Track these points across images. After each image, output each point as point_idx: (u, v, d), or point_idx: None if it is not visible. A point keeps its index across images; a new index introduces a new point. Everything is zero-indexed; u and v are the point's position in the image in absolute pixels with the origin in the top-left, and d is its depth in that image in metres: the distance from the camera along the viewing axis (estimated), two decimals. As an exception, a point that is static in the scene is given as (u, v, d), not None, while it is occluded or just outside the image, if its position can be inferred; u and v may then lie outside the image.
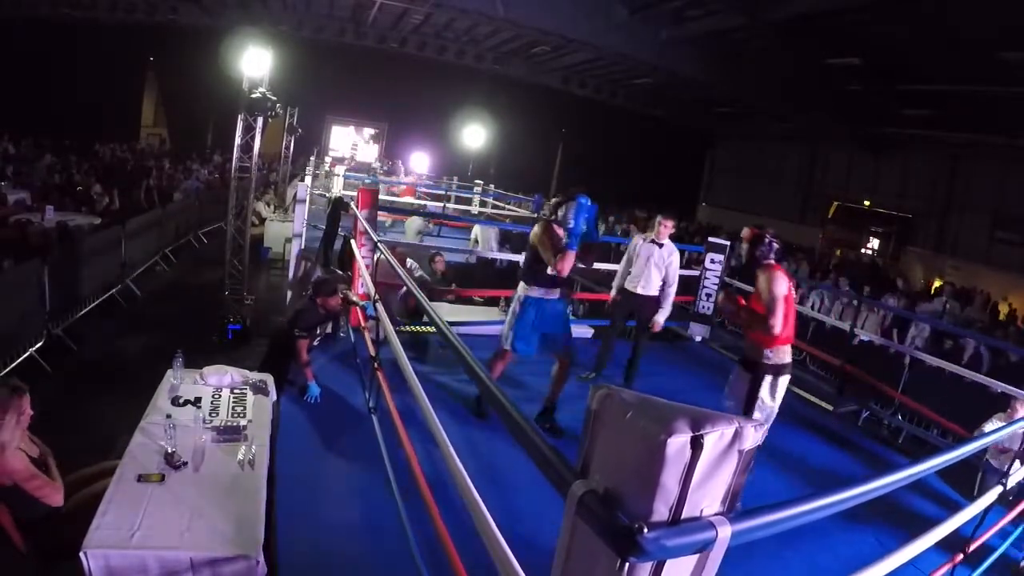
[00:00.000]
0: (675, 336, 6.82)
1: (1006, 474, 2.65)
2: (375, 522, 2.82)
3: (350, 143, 21.75)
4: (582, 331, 6.45)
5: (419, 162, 20.00)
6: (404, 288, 5.56)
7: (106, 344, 5.51)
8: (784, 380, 3.47)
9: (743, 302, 3.63)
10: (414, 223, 9.64)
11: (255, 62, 5.51)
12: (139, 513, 2.26)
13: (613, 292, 5.24)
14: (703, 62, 13.35)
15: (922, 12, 8.98)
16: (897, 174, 16.42)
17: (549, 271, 3.75)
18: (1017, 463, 3.22)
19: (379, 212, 6.74)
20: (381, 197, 12.22)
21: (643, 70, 14.80)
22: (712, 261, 6.79)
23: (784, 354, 3.44)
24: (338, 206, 5.97)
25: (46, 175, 10.83)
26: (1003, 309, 12.10)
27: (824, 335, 7.38)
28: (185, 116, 18.70)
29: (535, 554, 1.52)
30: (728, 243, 6.98)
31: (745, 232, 3.53)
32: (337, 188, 12.04)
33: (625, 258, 5.20)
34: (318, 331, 4.40)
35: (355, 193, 6.43)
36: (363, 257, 5.20)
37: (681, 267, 6.42)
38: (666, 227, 5.04)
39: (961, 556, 2.63)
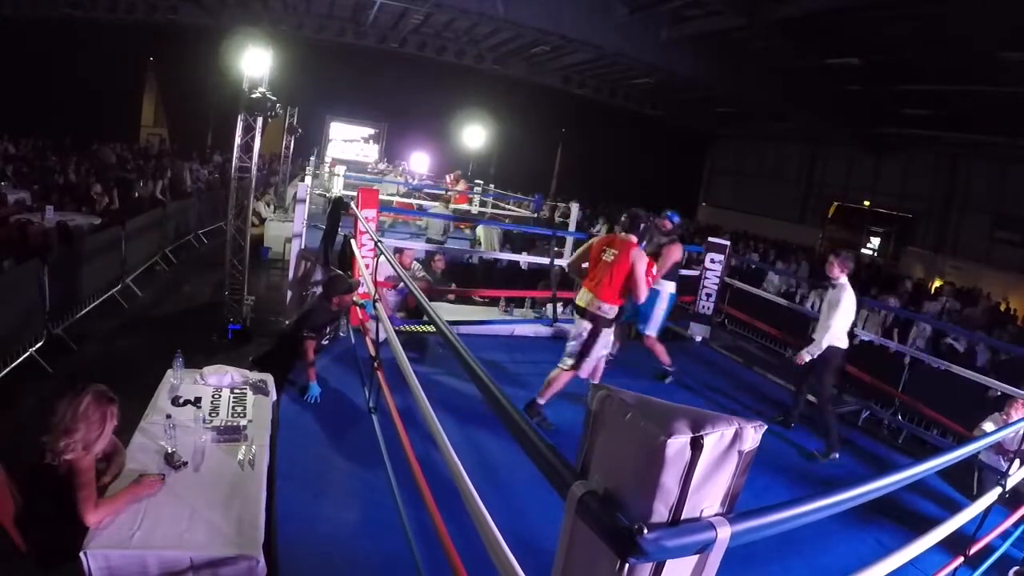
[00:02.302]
0: (675, 336, 6.82)
1: (1005, 474, 2.65)
2: (375, 522, 2.82)
3: (354, 150, 21.72)
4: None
5: (419, 162, 19.98)
6: (400, 287, 5.57)
7: (106, 344, 5.51)
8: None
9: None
10: (438, 222, 9.55)
11: (255, 62, 5.50)
12: (139, 513, 2.26)
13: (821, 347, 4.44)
14: (703, 62, 13.34)
15: (922, 12, 8.97)
16: (897, 174, 16.43)
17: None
18: (1016, 463, 3.22)
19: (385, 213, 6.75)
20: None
21: (643, 70, 14.78)
22: (712, 261, 6.80)
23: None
24: (338, 206, 5.98)
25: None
26: (1001, 308, 12.11)
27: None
28: (185, 116, 18.69)
29: (535, 554, 1.52)
30: (728, 243, 6.98)
31: None
32: (337, 188, 12.02)
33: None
34: (327, 331, 4.40)
35: (355, 193, 6.44)
36: (363, 257, 5.20)
37: (681, 267, 6.45)
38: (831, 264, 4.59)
39: (962, 558, 2.63)
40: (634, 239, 4.04)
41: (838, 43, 11.19)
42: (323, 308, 4.31)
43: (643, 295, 4.11)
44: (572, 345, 4.10)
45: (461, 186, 12.93)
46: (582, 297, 4.11)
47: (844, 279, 4.45)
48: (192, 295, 7.37)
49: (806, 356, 4.44)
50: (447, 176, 14.20)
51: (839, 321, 4.36)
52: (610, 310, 4.01)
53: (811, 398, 4.79)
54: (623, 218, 4.18)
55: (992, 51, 9.41)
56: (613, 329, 4.25)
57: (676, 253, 5.35)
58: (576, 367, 4.06)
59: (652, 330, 5.29)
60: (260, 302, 6.51)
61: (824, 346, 4.36)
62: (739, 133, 21.18)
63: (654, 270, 4.54)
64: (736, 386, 5.65)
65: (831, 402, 4.60)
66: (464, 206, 12.36)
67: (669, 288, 5.31)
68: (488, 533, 1.47)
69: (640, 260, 3.99)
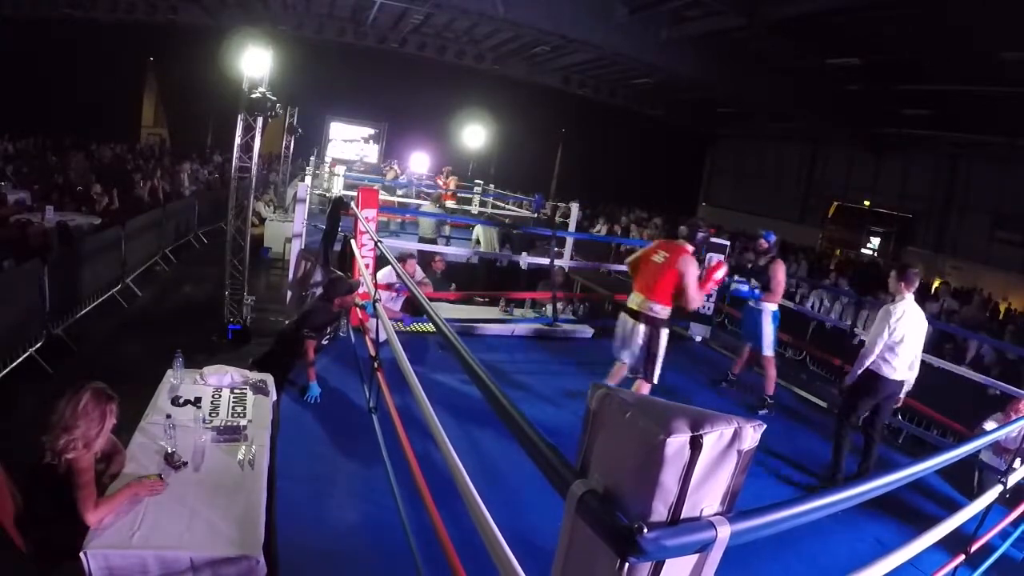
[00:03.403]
0: (675, 336, 6.83)
1: (1006, 473, 2.64)
2: (375, 522, 2.83)
3: (354, 150, 21.68)
4: (582, 331, 6.47)
5: (419, 162, 19.98)
6: (397, 284, 5.57)
7: (106, 344, 5.51)
8: None
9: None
10: (430, 220, 9.59)
11: (255, 62, 5.51)
12: (139, 513, 2.26)
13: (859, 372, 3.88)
14: (703, 62, 13.34)
15: (922, 12, 8.97)
16: (897, 174, 16.42)
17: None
18: (1017, 462, 3.22)
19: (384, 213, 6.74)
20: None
21: (643, 70, 14.78)
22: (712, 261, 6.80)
23: None
24: (338, 206, 5.98)
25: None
26: (1002, 308, 12.11)
27: (824, 335, 7.38)
28: (185, 116, 18.67)
29: (535, 554, 1.52)
30: (728, 243, 6.99)
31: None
32: (337, 188, 12.03)
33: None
34: (327, 331, 4.40)
35: (355, 193, 6.44)
36: (363, 257, 5.20)
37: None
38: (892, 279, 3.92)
39: (963, 557, 2.63)
40: (689, 247, 4.07)
41: (838, 43, 11.19)
42: (324, 308, 4.31)
43: (695, 303, 4.08)
44: (635, 355, 4.09)
45: (451, 183, 13.07)
46: (633, 300, 4.13)
47: (907, 295, 3.79)
48: (192, 295, 7.37)
49: (847, 381, 3.92)
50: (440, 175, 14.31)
51: (876, 338, 3.74)
52: (662, 311, 4.02)
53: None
54: (682, 227, 4.20)
55: (992, 51, 9.41)
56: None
57: (782, 272, 5.22)
58: (649, 378, 4.06)
59: (769, 350, 5.17)
60: (260, 302, 6.51)
61: (861, 368, 3.82)
62: (739, 133, 21.17)
63: (718, 274, 4.32)
64: (736, 386, 5.66)
65: (847, 431, 4.00)
66: (451, 203, 12.41)
67: (771, 306, 5.19)
68: (488, 533, 1.47)
69: (689, 267, 3.96)
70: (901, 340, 3.75)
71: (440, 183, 13.38)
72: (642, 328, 4.04)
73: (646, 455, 0.98)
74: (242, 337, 5.80)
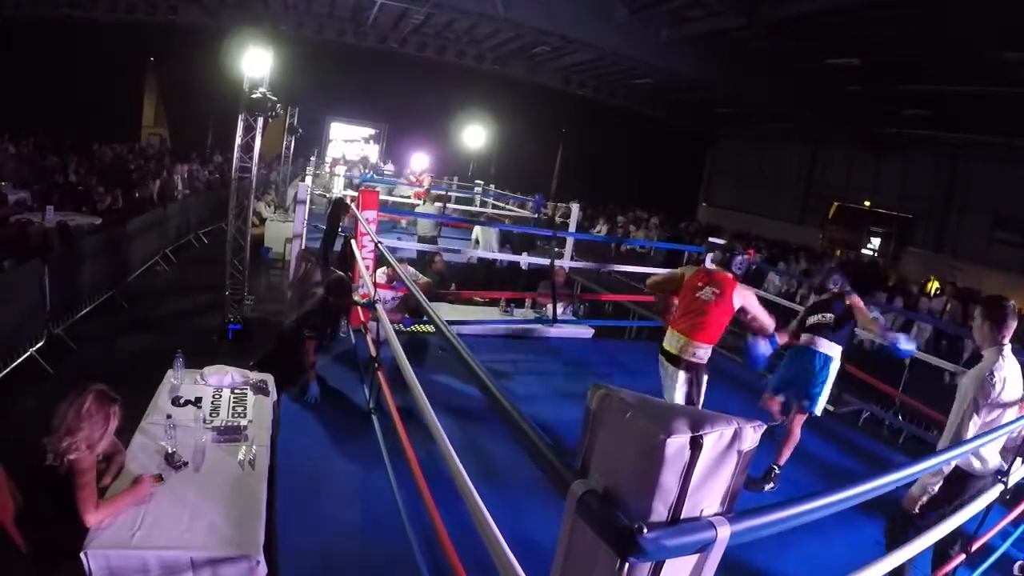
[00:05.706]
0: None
1: (1006, 473, 2.64)
2: (375, 522, 2.82)
3: (355, 150, 21.69)
4: (582, 331, 6.48)
5: (419, 162, 20.03)
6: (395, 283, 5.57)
7: (106, 344, 5.52)
8: None
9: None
10: (427, 221, 9.67)
11: (255, 62, 5.52)
12: (139, 513, 2.26)
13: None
14: (703, 62, 13.34)
15: (922, 12, 8.98)
16: (897, 174, 16.41)
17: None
18: (1017, 462, 3.21)
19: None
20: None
21: (643, 70, 14.79)
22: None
23: None
24: (338, 206, 5.98)
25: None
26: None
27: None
28: (185, 116, 18.69)
29: (535, 554, 1.52)
30: (726, 243, 6.98)
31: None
32: (337, 188, 12.04)
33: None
34: (328, 331, 4.41)
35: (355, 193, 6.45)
36: (364, 258, 5.20)
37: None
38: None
39: (963, 556, 2.63)
40: (730, 275, 3.59)
41: (838, 43, 11.19)
42: (324, 309, 4.31)
43: (771, 326, 3.69)
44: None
45: (426, 182, 13.25)
46: (672, 342, 3.56)
47: (1006, 346, 2.57)
48: (192, 295, 7.37)
49: (921, 497, 2.63)
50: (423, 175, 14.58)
51: (967, 422, 2.53)
52: (705, 354, 3.55)
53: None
54: (714, 254, 3.76)
55: (992, 51, 9.41)
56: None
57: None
58: None
59: (819, 409, 3.87)
60: (260, 302, 6.51)
61: (950, 466, 2.55)
62: (739, 133, 21.17)
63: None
64: (736, 386, 5.65)
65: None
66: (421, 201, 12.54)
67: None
68: (488, 533, 1.47)
69: (750, 298, 3.56)
70: (999, 415, 2.56)
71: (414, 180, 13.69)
72: (682, 375, 3.51)
73: (646, 455, 0.98)
74: (242, 337, 5.81)
